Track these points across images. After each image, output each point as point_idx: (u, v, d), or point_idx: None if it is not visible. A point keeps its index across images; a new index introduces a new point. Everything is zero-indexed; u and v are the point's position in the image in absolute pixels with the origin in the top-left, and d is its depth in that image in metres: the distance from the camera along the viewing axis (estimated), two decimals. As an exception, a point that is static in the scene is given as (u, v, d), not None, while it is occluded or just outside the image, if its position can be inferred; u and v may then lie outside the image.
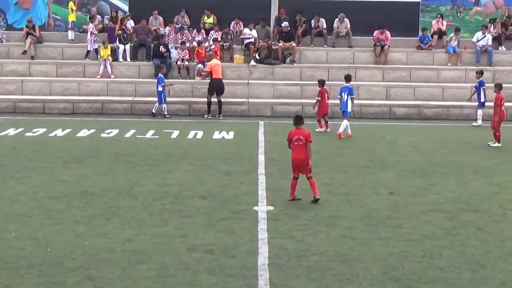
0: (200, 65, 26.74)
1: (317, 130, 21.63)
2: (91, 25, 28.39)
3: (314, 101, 22.38)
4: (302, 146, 13.17)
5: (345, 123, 21.11)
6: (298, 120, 13.49)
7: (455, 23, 29.95)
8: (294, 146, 13.28)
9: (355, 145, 19.91)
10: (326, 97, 22.08)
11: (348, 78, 22.10)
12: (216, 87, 24.85)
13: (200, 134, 21.45)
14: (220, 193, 13.98)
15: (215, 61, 25.24)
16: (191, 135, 21.30)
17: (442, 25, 29.54)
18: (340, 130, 20.93)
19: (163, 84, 24.82)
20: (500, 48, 29.31)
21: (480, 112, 23.84)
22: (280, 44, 28.22)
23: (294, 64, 28.14)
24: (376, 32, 28.73)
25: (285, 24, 28.31)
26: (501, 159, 18.04)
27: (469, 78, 27.74)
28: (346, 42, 29.39)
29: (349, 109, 21.36)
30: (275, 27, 29.19)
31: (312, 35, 29.41)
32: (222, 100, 24.93)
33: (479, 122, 23.73)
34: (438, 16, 29.66)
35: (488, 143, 19.91)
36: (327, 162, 17.33)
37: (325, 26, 29.46)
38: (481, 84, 23.76)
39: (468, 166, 17.08)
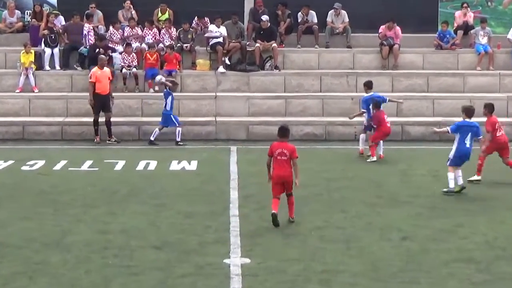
0: (160, 77, 25.79)
1: (369, 160, 22.13)
2: (87, 25, 28.33)
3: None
4: (286, 161, 14.19)
5: (363, 136, 22.74)
6: (284, 132, 14.52)
7: (485, 15, 30.24)
8: (276, 161, 14.20)
9: (357, 175, 20.01)
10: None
11: (369, 86, 22.99)
12: (101, 103, 24.91)
13: (153, 164, 21.47)
14: (180, 242, 13.98)
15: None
16: (141, 166, 21.33)
17: (469, 17, 29.85)
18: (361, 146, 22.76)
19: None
20: (544, 47, 29.74)
21: None
22: (258, 44, 28.43)
23: (276, 70, 28.36)
24: (382, 28, 29.04)
25: (265, 17, 28.50)
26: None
27: (504, 85, 28.08)
28: (344, 41, 29.68)
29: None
30: (250, 22, 29.41)
31: (299, 32, 29.67)
32: (187, 119, 25.06)
33: None
34: (464, 5, 29.90)
35: None
36: (320, 198, 17.41)
37: (316, 20, 29.75)
38: None
39: (503, 200, 17.25)
